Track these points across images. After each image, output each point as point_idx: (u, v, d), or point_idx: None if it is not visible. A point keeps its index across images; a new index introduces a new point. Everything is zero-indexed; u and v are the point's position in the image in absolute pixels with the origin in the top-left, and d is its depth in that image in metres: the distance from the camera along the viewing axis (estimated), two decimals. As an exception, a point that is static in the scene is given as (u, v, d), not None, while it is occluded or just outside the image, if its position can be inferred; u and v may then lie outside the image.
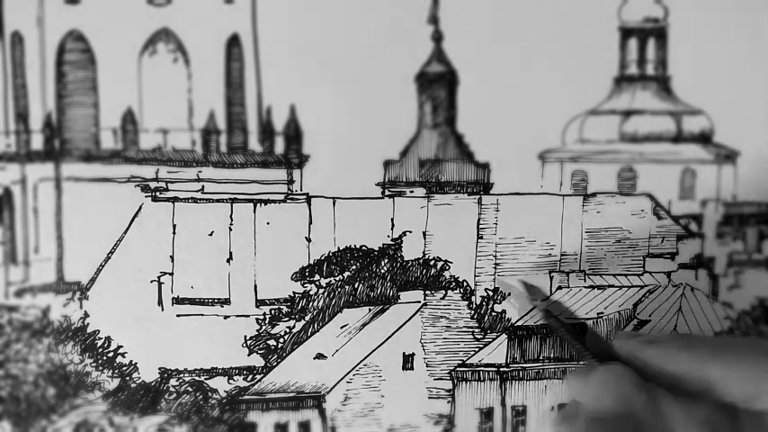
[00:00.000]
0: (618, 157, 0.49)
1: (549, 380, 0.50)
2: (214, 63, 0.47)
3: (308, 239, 0.48)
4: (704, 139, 0.49)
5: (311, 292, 0.48)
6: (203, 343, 0.48)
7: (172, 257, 0.47)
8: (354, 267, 0.48)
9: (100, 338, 0.47)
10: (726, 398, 0.38)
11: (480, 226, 0.49)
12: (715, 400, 0.38)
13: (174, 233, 0.47)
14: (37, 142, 0.46)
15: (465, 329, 0.49)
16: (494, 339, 0.49)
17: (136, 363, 0.48)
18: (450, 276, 0.49)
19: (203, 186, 0.47)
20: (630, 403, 0.39)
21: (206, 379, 0.48)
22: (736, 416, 0.39)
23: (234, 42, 0.47)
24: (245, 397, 0.48)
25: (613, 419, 0.38)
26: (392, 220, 0.48)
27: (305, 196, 0.47)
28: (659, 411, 0.38)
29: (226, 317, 0.48)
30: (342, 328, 0.49)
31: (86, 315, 0.47)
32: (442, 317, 0.49)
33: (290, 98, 0.47)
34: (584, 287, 0.49)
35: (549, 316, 0.47)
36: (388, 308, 0.49)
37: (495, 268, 0.49)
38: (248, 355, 0.48)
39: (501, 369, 0.49)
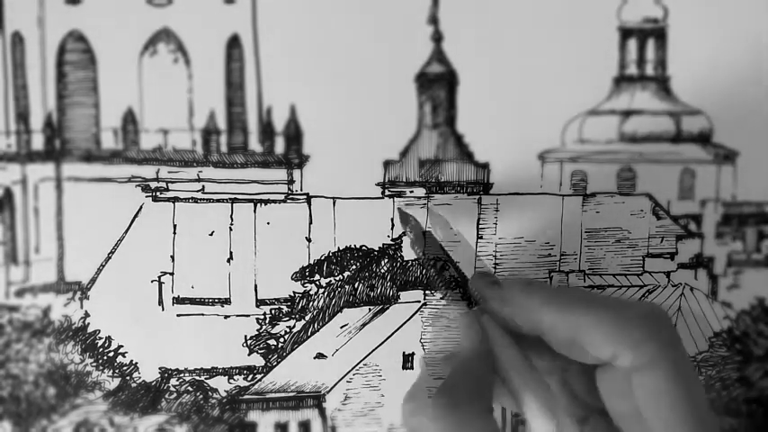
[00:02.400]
0: (617, 157, 0.49)
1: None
2: (214, 63, 0.47)
3: (308, 239, 0.48)
4: (703, 139, 0.49)
5: (311, 292, 0.48)
6: (204, 342, 0.48)
7: (172, 257, 0.47)
8: (354, 267, 0.48)
9: (100, 338, 0.47)
10: (555, 347, 0.38)
11: (480, 226, 0.49)
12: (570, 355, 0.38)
13: (174, 233, 0.47)
14: (37, 142, 0.46)
15: (465, 329, 0.49)
16: (493, 339, 0.49)
17: (136, 362, 0.48)
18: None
19: (204, 186, 0.47)
20: (461, 344, 0.39)
21: (206, 379, 0.48)
22: (587, 372, 0.38)
23: (234, 43, 0.47)
24: (246, 397, 0.49)
25: (444, 359, 0.38)
26: (392, 220, 0.48)
27: (305, 196, 0.48)
28: (491, 354, 0.39)
29: (226, 317, 0.48)
30: (342, 327, 0.49)
31: (87, 315, 0.47)
32: (441, 317, 0.49)
33: (290, 98, 0.47)
34: (584, 287, 0.49)
35: (419, 246, 0.46)
36: (388, 308, 0.49)
37: (495, 268, 0.49)
38: (248, 354, 0.48)
39: (501, 369, 0.49)
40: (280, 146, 0.47)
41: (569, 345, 0.38)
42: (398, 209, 0.47)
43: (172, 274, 0.47)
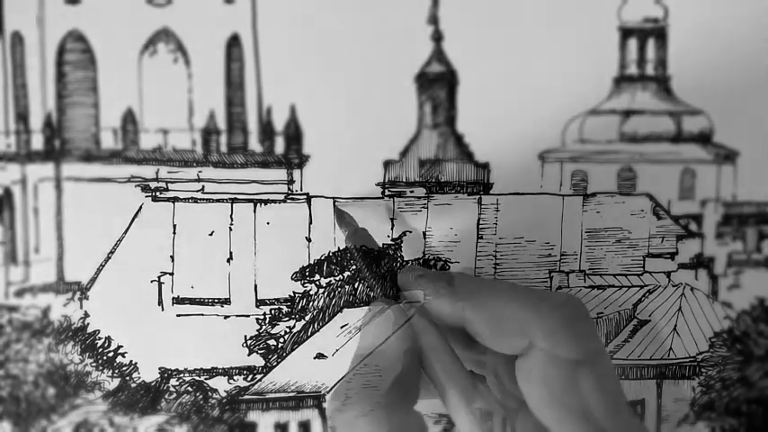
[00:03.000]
0: (618, 157, 0.49)
1: (549, 380, 0.50)
2: (214, 63, 0.47)
3: (308, 239, 0.48)
4: (704, 139, 0.49)
5: (311, 292, 0.48)
6: (204, 343, 0.48)
7: (172, 257, 0.47)
8: (354, 267, 0.48)
9: (100, 338, 0.47)
10: (477, 338, 0.39)
11: (480, 226, 0.49)
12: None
13: (174, 233, 0.47)
14: (37, 142, 0.46)
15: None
16: (494, 339, 0.49)
17: (136, 363, 0.48)
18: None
19: (203, 186, 0.47)
20: (387, 340, 0.39)
21: (206, 379, 0.48)
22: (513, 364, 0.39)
23: (234, 42, 0.47)
24: (245, 397, 0.49)
25: (371, 356, 0.38)
26: (392, 220, 0.48)
27: (305, 196, 0.47)
28: (418, 349, 0.39)
29: (226, 317, 0.48)
30: (342, 327, 0.49)
31: (86, 315, 0.47)
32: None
33: (290, 98, 0.47)
34: (584, 287, 0.49)
35: (352, 238, 0.45)
36: (388, 308, 0.49)
37: (495, 268, 0.49)
38: (248, 354, 0.48)
39: (501, 369, 0.49)
40: (280, 146, 0.47)
41: (488, 336, 0.38)
42: (335, 207, 0.47)
43: (171, 274, 0.47)
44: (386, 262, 0.45)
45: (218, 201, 0.47)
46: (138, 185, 0.47)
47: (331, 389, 0.48)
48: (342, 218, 0.46)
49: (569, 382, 0.36)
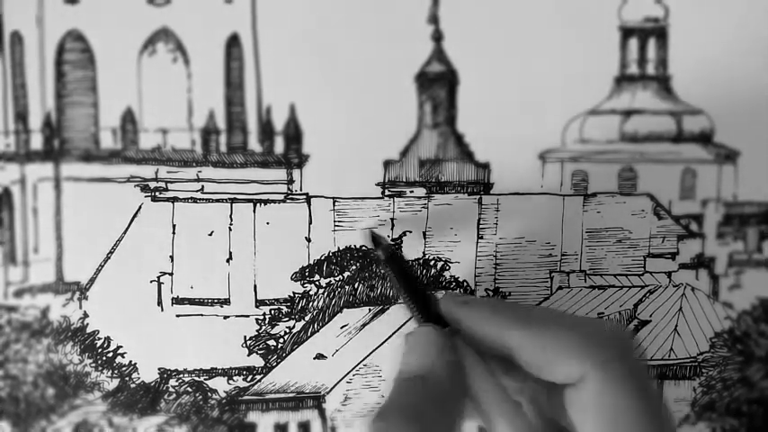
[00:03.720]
0: (618, 157, 0.48)
1: (550, 380, 0.49)
2: (214, 63, 0.47)
3: (308, 239, 0.48)
4: (705, 138, 0.49)
5: (311, 292, 0.48)
6: (203, 343, 0.48)
7: (171, 257, 0.47)
8: (354, 267, 0.48)
9: (99, 338, 0.47)
10: (525, 366, 0.38)
11: (480, 226, 0.48)
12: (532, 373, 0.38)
13: (173, 233, 0.47)
14: (36, 142, 0.46)
15: (465, 330, 0.49)
16: (494, 339, 0.49)
17: (135, 363, 0.48)
18: (450, 276, 0.48)
19: (203, 186, 0.47)
20: (432, 365, 0.38)
21: (206, 379, 0.48)
22: (556, 392, 0.38)
23: (234, 42, 0.46)
24: (245, 397, 0.48)
25: (415, 380, 0.38)
26: (392, 220, 0.48)
27: (305, 196, 0.47)
28: (463, 375, 0.38)
29: (226, 317, 0.48)
30: (342, 328, 0.48)
31: (86, 315, 0.47)
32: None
33: (290, 98, 0.47)
34: (585, 287, 0.49)
35: (390, 263, 0.44)
36: (387, 308, 0.49)
37: (495, 268, 0.49)
38: (248, 355, 0.48)
39: (501, 369, 0.49)
40: (279, 146, 0.47)
41: (538, 364, 0.38)
42: (370, 232, 0.46)
43: (171, 274, 0.47)
44: (420, 284, 0.44)
45: (217, 201, 0.47)
46: (138, 185, 0.47)
47: (372, 413, 0.47)
48: (378, 242, 0.45)
49: (624, 413, 0.35)
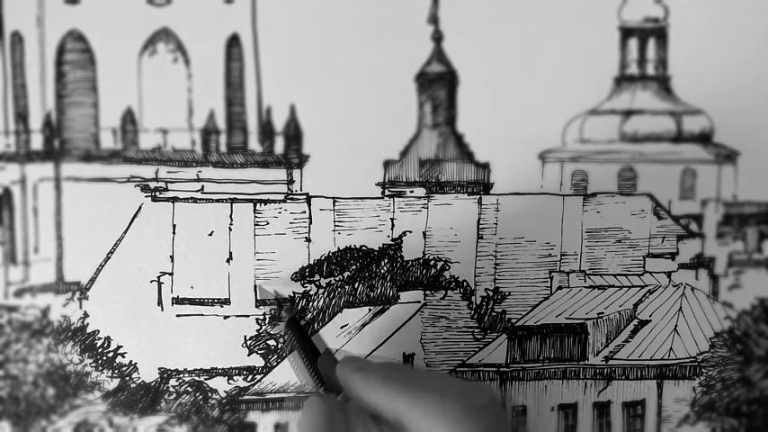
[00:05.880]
0: (618, 157, 0.49)
1: (549, 380, 0.50)
2: (214, 63, 0.47)
3: (308, 239, 0.48)
4: (704, 138, 0.49)
5: (311, 292, 0.48)
6: (203, 343, 0.48)
7: (172, 257, 0.47)
8: (354, 267, 0.48)
9: (99, 338, 0.47)
10: None
11: (480, 226, 0.48)
12: None
13: (173, 233, 0.47)
14: (36, 142, 0.46)
15: (465, 329, 0.49)
16: (494, 339, 0.49)
17: (136, 363, 0.48)
18: (450, 276, 0.49)
19: (203, 186, 0.47)
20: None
21: (206, 379, 0.48)
22: None
23: (234, 42, 0.46)
24: (245, 397, 0.48)
25: None
26: (392, 220, 0.48)
27: (305, 196, 0.47)
28: None
29: (226, 317, 0.48)
30: (342, 328, 0.48)
31: (86, 315, 0.47)
32: (441, 317, 0.49)
33: (290, 98, 0.47)
34: (585, 287, 0.49)
35: (291, 327, 0.46)
36: (388, 308, 0.49)
37: (495, 268, 0.49)
38: (248, 355, 0.48)
39: (501, 369, 0.49)
40: (279, 146, 0.47)
41: (425, 430, 0.37)
42: (274, 294, 0.47)
43: (171, 274, 0.47)
44: (324, 351, 0.45)
45: (217, 201, 0.47)
46: (138, 185, 0.47)
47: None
48: (281, 305, 0.46)
49: None
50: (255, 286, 0.47)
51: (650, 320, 0.50)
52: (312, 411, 0.39)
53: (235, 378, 0.48)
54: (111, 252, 0.47)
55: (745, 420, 0.51)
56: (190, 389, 0.48)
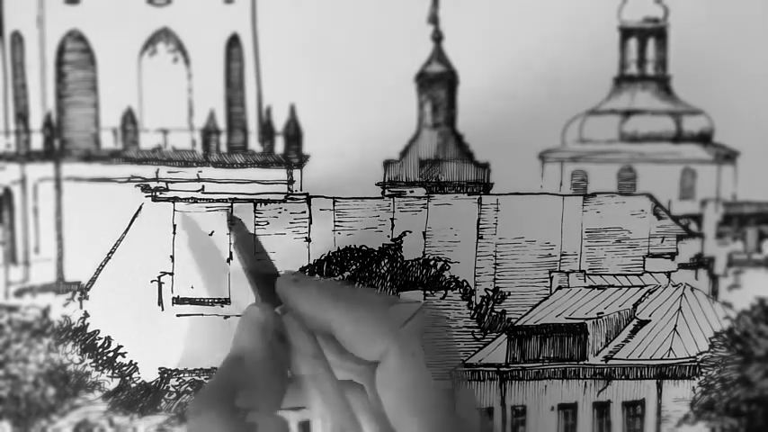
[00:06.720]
0: (618, 156, 0.49)
1: (550, 380, 0.50)
2: (214, 63, 0.47)
3: (308, 239, 0.48)
4: (704, 138, 0.49)
5: (311, 292, 0.48)
6: (203, 343, 0.48)
7: (172, 257, 0.47)
8: (354, 267, 0.48)
9: (100, 338, 0.47)
10: (344, 344, 0.38)
11: (480, 226, 0.49)
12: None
13: (174, 233, 0.47)
14: (37, 142, 0.46)
15: (465, 329, 0.49)
16: (493, 339, 0.49)
17: (136, 363, 0.48)
18: (450, 276, 0.49)
19: (203, 186, 0.47)
20: (254, 346, 0.39)
21: (206, 379, 0.48)
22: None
23: (234, 42, 0.47)
24: (245, 397, 0.48)
25: (235, 360, 0.38)
26: (392, 220, 0.48)
27: (305, 196, 0.47)
28: (288, 353, 0.39)
29: (226, 317, 0.48)
30: (342, 328, 0.48)
31: (86, 315, 0.47)
32: (441, 317, 0.49)
33: (290, 98, 0.47)
34: (584, 287, 0.49)
35: (242, 244, 0.45)
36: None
37: (494, 268, 0.49)
38: (248, 354, 0.48)
39: (501, 369, 0.49)
40: (279, 146, 0.47)
41: (352, 341, 0.38)
42: (228, 213, 0.47)
43: (171, 274, 0.47)
44: (268, 265, 0.44)
45: (218, 201, 0.47)
46: (138, 185, 0.47)
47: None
48: (232, 222, 0.46)
49: (422, 389, 0.36)
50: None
51: (650, 320, 0.50)
52: (247, 320, 0.40)
53: (235, 378, 0.48)
54: (111, 252, 0.47)
55: (745, 420, 0.51)
56: (190, 388, 0.48)
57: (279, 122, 0.47)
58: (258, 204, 0.47)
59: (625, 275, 0.49)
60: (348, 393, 0.39)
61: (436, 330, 0.49)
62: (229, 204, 0.47)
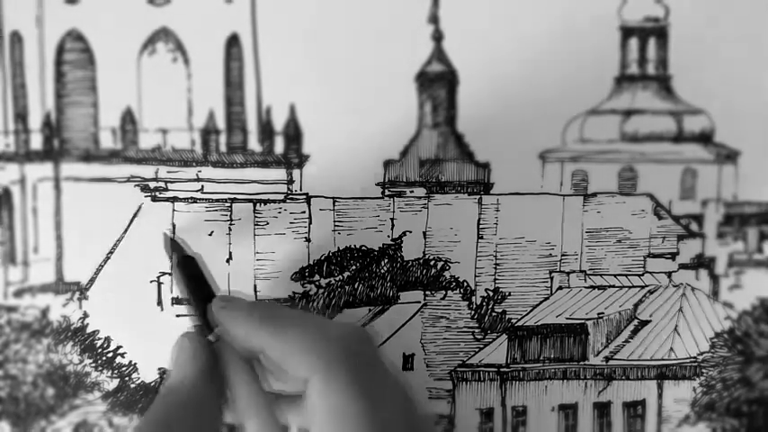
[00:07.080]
0: (618, 156, 0.48)
1: (550, 380, 0.50)
2: (214, 63, 0.47)
3: (308, 239, 0.48)
4: (705, 138, 0.49)
5: (311, 293, 0.48)
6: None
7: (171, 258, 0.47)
8: (354, 267, 0.48)
9: (99, 339, 0.47)
10: (274, 368, 0.38)
11: (480, 226, 0.48)
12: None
13: (173, 233, 0.47)
14: (36, 142, 0.46)
15: (465, 330, 0.49)
16: (494, 340, 0.49)
17: (135, 363, 0.48)
18: (451, 276, 0.48)
19: (203, 186, 0.47)
20: (185, 374, 0.38)
21: (205, 379, 0.48)
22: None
23: (233, 42, 0.46)
24: (245, 397, 0.48)
25: (169, 390, 0.38)
26: (392, 220, 0.48)
27: (305, 196, 0.47)
28: (221, 380, 0.38)
29: (225, 317, 0.48)
30: (342, 328, 0.48)
31: (86, 315, 0.47)
32: (441, 317, 0.49)
33: (290, 98, 0.47)
34: (585, 287, 0.49)
35: (180, 268, 0.44)
36: (388, 308, 0.49)
37: (495, 268, 0.49)
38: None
39: (501, 369, 0.49)
40: (279, 146, 0.47)
41: (281, 365, 0.37)
42: (167, 236, 0.46)
43: (171, 274, 0.47)
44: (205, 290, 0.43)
45: (217, 201, 0.47)
46: (138, 185, 0.47)
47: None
48: (174, 248, 0.45)
49: (344, 415, 0.35)
50: (254, 285, 0.47)
51: (650, 320, 0.50)
52: (178, 349, 0.39)
53: (234, 378, 0.48)
54: (110, 252, 0.47)
55: (746, 420, 0.51)
56: (189, 389, 0.48)
57: (278, 122, 0.47)
58: (258, 204, 0.47)
59: (626, 276, 0.49)
60: (288, 417, 0.39)
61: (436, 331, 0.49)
62: (170, 228, 0.47)
